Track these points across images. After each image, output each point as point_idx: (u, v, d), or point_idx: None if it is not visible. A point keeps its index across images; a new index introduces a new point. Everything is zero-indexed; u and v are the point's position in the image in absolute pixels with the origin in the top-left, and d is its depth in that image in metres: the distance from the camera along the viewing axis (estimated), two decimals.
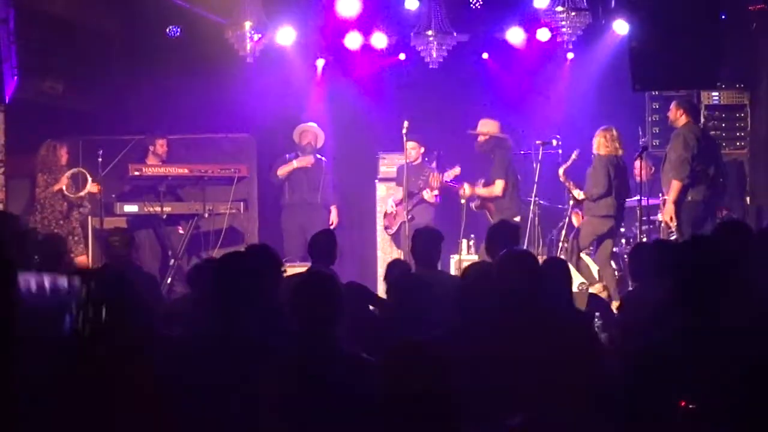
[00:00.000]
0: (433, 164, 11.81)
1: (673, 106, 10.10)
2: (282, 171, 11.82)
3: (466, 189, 11.15)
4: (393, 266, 7.22)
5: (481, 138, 11.25)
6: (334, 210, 11.91)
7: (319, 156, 11.91)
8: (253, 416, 4.03)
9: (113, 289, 1.34)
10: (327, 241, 7.48)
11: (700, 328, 3.69)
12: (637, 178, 10.10)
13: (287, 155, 11.94)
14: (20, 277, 1.32)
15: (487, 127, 11.28)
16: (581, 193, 10.45)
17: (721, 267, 3.79)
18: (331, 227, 11.56)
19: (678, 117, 9.98)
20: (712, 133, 10.91)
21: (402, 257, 11.28)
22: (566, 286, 5.53)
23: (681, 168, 9.74)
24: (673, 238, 9.77)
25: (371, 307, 7.02)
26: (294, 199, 11.83)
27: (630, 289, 7.44)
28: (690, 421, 3.48)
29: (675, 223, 9.77)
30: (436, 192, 11.50)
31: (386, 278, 7.01)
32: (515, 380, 4.35)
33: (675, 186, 9.77)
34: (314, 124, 11.97)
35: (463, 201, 11.33)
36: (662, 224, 10.17)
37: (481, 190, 11.15)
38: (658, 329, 4.81)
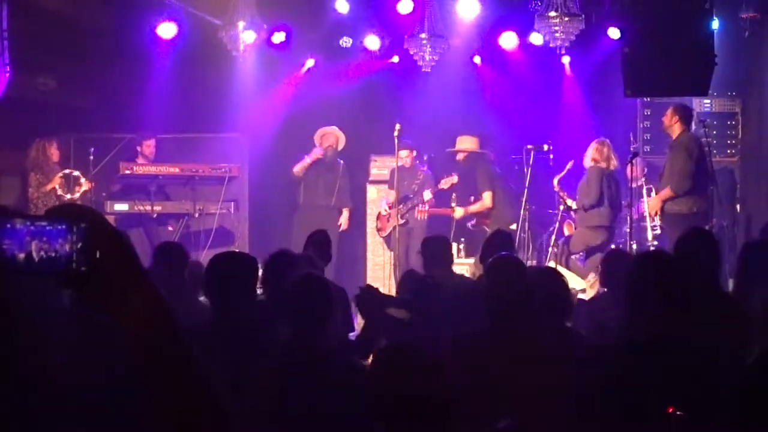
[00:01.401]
0: (425, 167, 11.84)
1: (669, 111, 10.03)
2: (297, 168, 11.80)
3: (457, 211, 11.21)
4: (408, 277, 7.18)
5: (459, 155, 11.31)
6: (345, 212, 11.90)
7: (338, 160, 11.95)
8: (242, 416, 4.02)
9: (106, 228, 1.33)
10: (319, 239, 7.45)
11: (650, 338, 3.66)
12: (629, 183, 10.10)
13: (305, 156, 11.92)
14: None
15: (466, 143, 11.33)
16: (574, 203, 10.44)
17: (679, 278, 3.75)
18: (340, 229, 11.59)
19: (672, 123, 9.90)
20: (703, 140, 10.93)
21: (392, 260, 11.33)
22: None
23: (682, 181, 9.64)
24: (656, 232, 9.95)
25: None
26: (308, 201, 11.81)
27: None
28: (676, 428, 3.48)
29: (658, 218, 9.89)
30: (429, 198, 11.48)
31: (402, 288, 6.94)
32: (504, 385, 4.35)
33: (667, 193, 9.73)
34: (335, 128, 11.96)
35: (453, 205, 11.35)
36: (647, 218, 10.16)
37: (473, 207, 11.19)
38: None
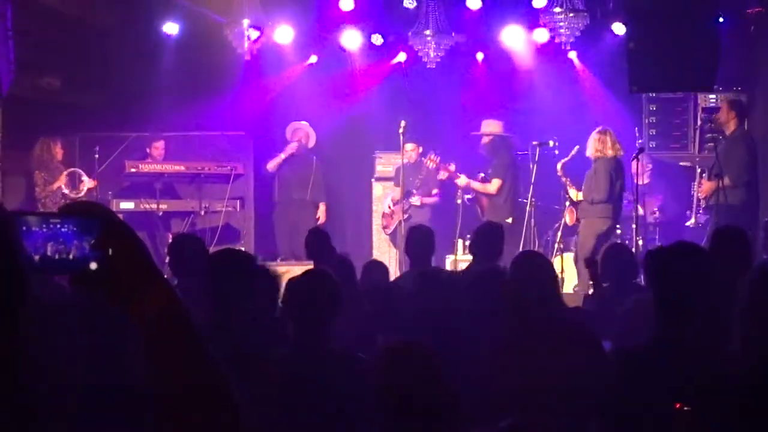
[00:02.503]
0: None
1: (725, 107, 10.13)
2: (271, 164, 11.82)
3: (462, 179, 11.14)
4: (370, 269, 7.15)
5: (485, 139, 11.21)
6: (321, 207, 11.86)
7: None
8: (246, 415, 4.02)
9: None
10: (316, 239, 7.46)
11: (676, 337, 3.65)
12: (634, 180, 10.06)
13: (279, 154, 11.94)
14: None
15: (491, 127, 11.25)
16: (579, 194, 10.39)
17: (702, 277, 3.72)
18: (318, 223, 11.57)
19: (729, 119, 10.01)
20: (709, 135, 10.91)
21: (398, 256, 11.34)
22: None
23: (741, 172, 9.72)
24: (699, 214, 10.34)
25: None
26: (283, 197, 11.84)
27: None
28: (684, 424, 3.48)
29: (704, 203, 10.13)
30: (440, 177, 11.46)
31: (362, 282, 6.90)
32: (513, 382, 4.35)
33: (725, 182, 9.74)
34: (306, 123, 11.97)
35: (459, 201, 11.34)
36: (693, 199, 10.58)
37: (477, 185, 11.15)
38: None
